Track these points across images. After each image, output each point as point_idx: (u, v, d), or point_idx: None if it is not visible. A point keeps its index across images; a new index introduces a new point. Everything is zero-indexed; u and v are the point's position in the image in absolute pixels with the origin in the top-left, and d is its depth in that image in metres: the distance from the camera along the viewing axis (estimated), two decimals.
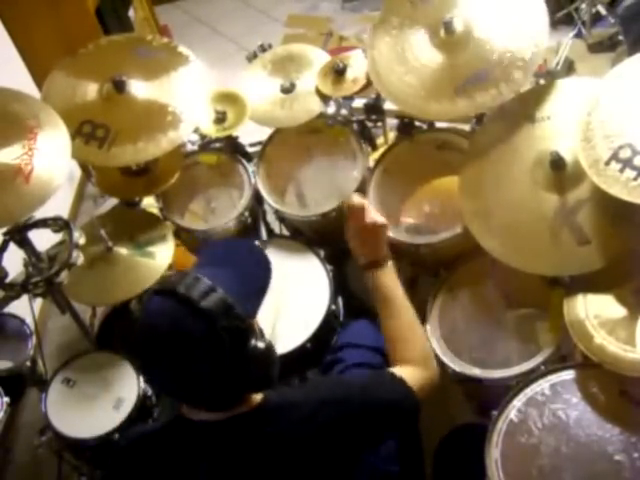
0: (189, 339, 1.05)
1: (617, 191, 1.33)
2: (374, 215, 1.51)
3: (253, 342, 1.10)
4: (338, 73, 2.02)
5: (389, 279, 1.45)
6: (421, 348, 1.40)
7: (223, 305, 1.06)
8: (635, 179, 1.32)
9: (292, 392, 1.25)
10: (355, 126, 2.14)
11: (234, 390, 1.13)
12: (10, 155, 1.63)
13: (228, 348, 1.06)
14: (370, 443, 1.26)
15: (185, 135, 1.95)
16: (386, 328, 1.42)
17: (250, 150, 2.31)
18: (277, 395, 1.20)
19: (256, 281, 1.22)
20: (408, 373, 1.29)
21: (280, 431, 1.15)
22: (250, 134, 2.25)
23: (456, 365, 1.62)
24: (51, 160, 1.64)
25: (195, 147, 2.28)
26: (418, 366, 1.34)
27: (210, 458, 1.15)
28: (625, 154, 1.35)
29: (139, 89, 1.94)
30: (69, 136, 1.72)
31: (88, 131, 1.86)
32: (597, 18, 3.30)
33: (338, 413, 1.17)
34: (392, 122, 2.23)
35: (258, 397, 1.18)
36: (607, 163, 1.36)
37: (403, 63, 1.78)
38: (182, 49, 2.05)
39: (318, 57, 2.15)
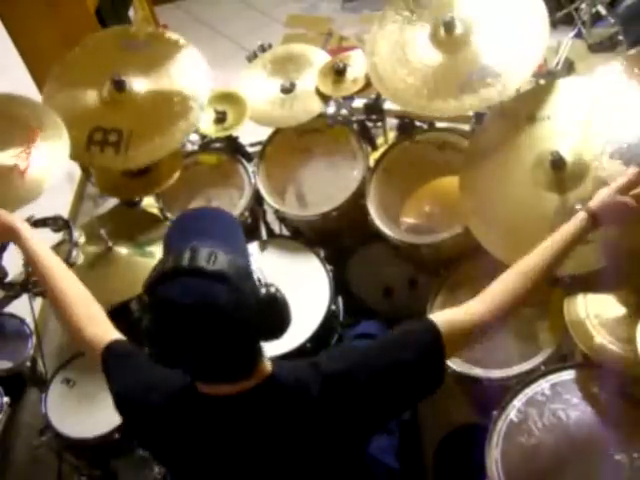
0: (216, 305, 1.03)
1: None
2: None
3: (264, 290, 1.10)
4: (338, 73, 2.03)
5: (582, 235, 1.27)
6: (507, 292, 1.21)
7: (230, 263, 1.06)
8: None
9: (302, 366, 1.20)
10: (355, 126, 2.14)
11: (256, 346, 1.12)
12: (10, 152, 1.65)
13: (249, 302, 1.06)
14: (384, 416, 1.21)
15: (197, 121, 1.93)
16: (528, 265, 1.24)
17: (250, 150, 2.31)
18: (285, 369, 1.18)
19: (235, 236, 1.21)
20: (456, 314, 1.20)
21: (289, 405, 1.14)
22: (250, 134, 2.25)
23: (456, 365, 1.62)
24: (48, 159, 1.66)
25: (195, 147, 2.28)
26: (482, 303, 1.20)
27: (222, 432, 1.14)
28: (629, 150, 1.35)
29: (139, 85, 1.93)
30: (82, 148, 1.75)
31: (100, 138, 1.86)
32: (597, 18, 3.29)
33: (347, 389, 1.14)
34: (392, 122, 2.23)
35: (267, 369, 1.16)
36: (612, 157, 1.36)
37: (405, 65, 1.78)
38: (170, 35, 2.03)
39: (318, 57, 2.15)
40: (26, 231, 1.39)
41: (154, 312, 1.07)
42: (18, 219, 1.42)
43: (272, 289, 1.11)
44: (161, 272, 1.06)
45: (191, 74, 1.95)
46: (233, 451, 1.15)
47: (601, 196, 1.28)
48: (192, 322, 1.03)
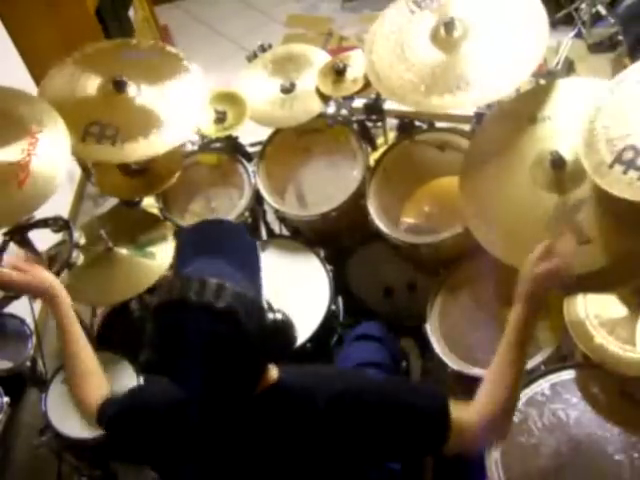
0: (221, 341, 1.04)
1: (622, 192, 1.33)
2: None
3: (271, 316, 1.12)
4: (338, 73, 2.02)
5: (530, 320, 1.25)
6: (500, 400, 1.20)
7: (238, 297, 1.06)
8: (639, 179, 1.32)
9: (310, 373, 1.22)
10: (355, 126, 2.14)
11: (262, 368, 1.14)
12: (8, 157, 1.62)
13: (255, 334, 1.07)
14: (380, 451, 1.19)
15: (189, 130, 1.95)
16: (495, 368, 1.24)
17: (250, 150, 2.31)
18: (291, 376, 1.19)
19: (250, 258, 1.22)
20: (460, 407, 1.18)
21: (293, 412, 1.14)
22: (250, 134, 2.25)
23: (456, 365, 1.62)
24: (48, 169, 1.62)
25: (195, 147, 2.28)
26: (480, 410, 1.19)
27: (223, 436, 1.15)
28: (628, 156, 1.35)
29: (137, 90, 1.92)
30: (78, 139, 1.72)
31: (96, 132, 1.85)
32: (597, 18, 3.30)
33: (352, 407, 1.14)
34: (392, 122, 2.23)
35: (273, 376, 1.17)
36: (611, 166, 1.36)
37: (403, 62, 1.78)
38: (171, 49, 2.04)
39: (318, 57, 2.15)
40: (65, 299, 1.44)
41: (159, 333, 1.08)
42: (60, 285, 1.46)
43: (279, 315, 1.12)
44: (169, 300, 1.06)
45: (188, 90, 1.95)
46: (231, 455, 1.16)
47: (523, 276, 1.26)
48: (197, 353, 1.04)
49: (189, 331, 1.04)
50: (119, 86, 1.90)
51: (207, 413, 1.16)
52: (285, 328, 1.14)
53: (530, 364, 1.53)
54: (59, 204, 2.89)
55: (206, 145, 2.26)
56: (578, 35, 3.27)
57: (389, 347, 1.77)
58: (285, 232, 2.22)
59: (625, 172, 1.34)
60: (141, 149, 1.83)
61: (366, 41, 1.89)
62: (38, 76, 2.81)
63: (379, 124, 2.22)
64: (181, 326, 1.04)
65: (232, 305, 1.04)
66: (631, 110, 1.41)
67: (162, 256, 1.92)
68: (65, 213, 3.02)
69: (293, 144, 2.13)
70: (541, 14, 1.67)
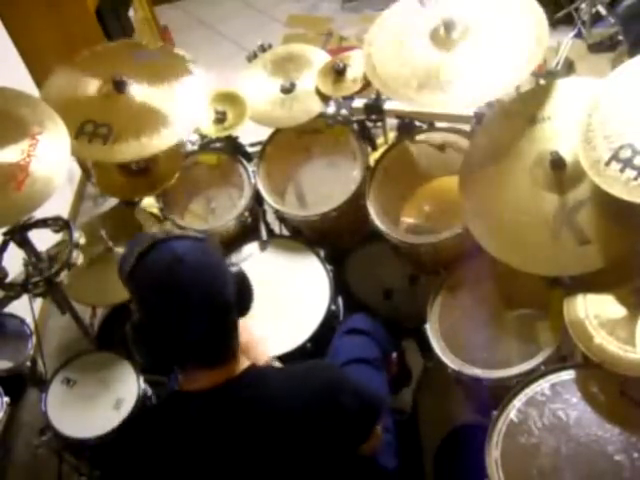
0: (199, 256, 1.13)
1: (617, 191, 1.33)
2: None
3: (233, 268, 1.23)
4: (338, 73, 2.02)
5: None
6: None
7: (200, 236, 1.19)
8: (635, 179, 1.32)
9: (279, 367, 1.34)
10: (355, 126, 2.14)
11: (233, 322, 1.19)
12: (7, 157, 1.61)
13: (226, 267, 1.19)
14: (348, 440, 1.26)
15: (186, 132, 1.95)
16: None
17: (250, 150, 2.31)
18: (262, 367, 1.28)
19: None
20: None
21: (269, 396, 1.18)
22: (250, 134, 2.25)
23: (456, 365, 1.62)
24: (47, 171, 1.61)
25: (195, 147, 2.28)
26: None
27: (207, 426, 1.16)
28: (625, 154, 1.35)
29: (138, 91, 1.93)
30: (71, 136, 1.71)
31: (90, 130, 1.85)
32: (597, 18, 3.30)
33: (324, 393, 1.20)
34: (392, 122, 2.23)
35: (245, 363, 1.21)
36: (607, 163, 1.36)
37: (399, 58, 1.77)
38: (178, 50, 2.04)
39: (318, 57, 2.15)
40: None
41: (140, 283, 1.18)
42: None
43: (236, 268, 1.24)
44: (139, 252, 1.13)
45: (191, 94, 1.95)
46: (213, 444, 1.16)
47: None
48: (176, 275, 1.10)
49: (168, 251, 1.11)
50: (119, 86, 1.90)
51: (187, 401, 1.18)
52: (246, 278, 1.25)
53: (530, 364, 1.54)
54: (59, 204, 2.89)
55: (206, 145, 2.26)
56: (578, 35, 3.27)
57: (378, 340, 1.76)
58: (285, 232, 2.22)
59: (621, 171, 1.34)
60: (130, 150, 1.83)
61: (368, 34, 1.88)
62: (38, 76, 2.82)
63: (379, 124, 2.22)
64: (161, 253, 1.12)
65: (201, 236, 1.17)
66: (629, 107, 1.41)
67: None
68: (65, 213, 3.02)
69: (293, 144, 2.13)
70: (541, 14, 1.67)
